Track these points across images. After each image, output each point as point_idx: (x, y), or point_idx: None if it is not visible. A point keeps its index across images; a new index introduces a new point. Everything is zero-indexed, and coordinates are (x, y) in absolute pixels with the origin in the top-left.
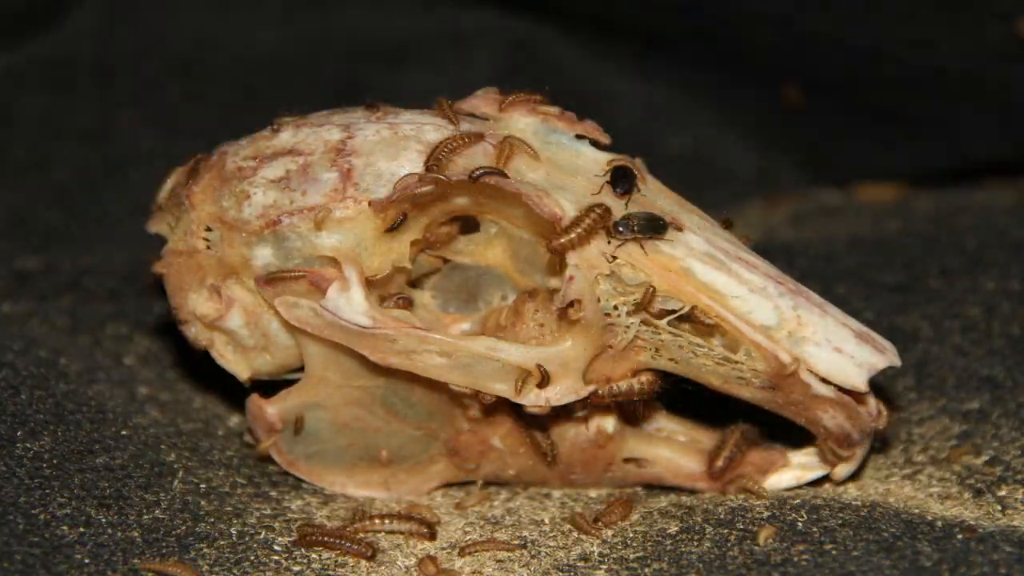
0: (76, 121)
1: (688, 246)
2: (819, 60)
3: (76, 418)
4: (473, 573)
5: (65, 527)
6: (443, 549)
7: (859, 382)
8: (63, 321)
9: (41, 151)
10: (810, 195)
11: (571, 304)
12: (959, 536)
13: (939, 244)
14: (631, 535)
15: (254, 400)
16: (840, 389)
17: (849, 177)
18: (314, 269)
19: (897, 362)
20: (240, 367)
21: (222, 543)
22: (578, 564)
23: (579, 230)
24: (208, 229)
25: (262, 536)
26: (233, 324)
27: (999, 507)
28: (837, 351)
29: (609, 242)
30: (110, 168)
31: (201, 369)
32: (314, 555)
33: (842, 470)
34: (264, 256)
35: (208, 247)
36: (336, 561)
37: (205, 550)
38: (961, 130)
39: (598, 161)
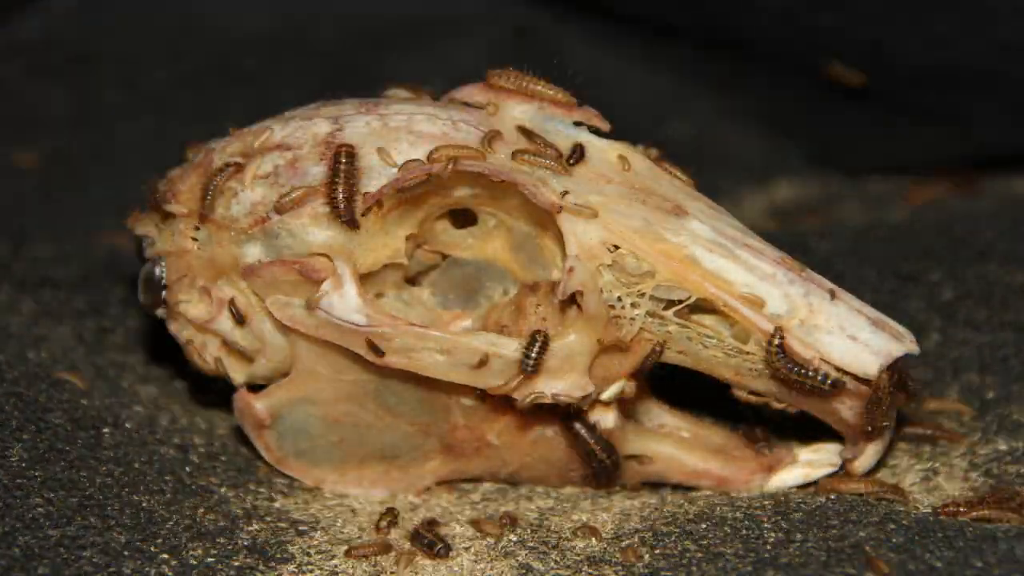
0: (58, 105)
1: (693, 233)
2: (825, 52)
3: (57, 415)
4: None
5: (46, 530)
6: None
7: (876, 371)
8: (42, 313)
9: (21, 136)
10: (814, 183)
11: (573, 296)
12: (970, 534)
13: (949, 233)
14: (633, 533)
15: (242, 395)
16: (857, 378)
17: (854, 166)
18: (304, 259)
19: (915, 349)
20: (234, 371)
21: (213, 543)
22: (577, 563)
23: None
24: (196, 228)
25: (254, 535)
26: (225, 326)
27: (1012, 502)
28: (852, 339)
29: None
30: (92, 154)
31: (187, 363)
32: (302, 550)
33: (861, 463)
34: (254, 254)
35: (197, 247)
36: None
37: (195, 550)
38: (971, 121)
39: (598, 148)
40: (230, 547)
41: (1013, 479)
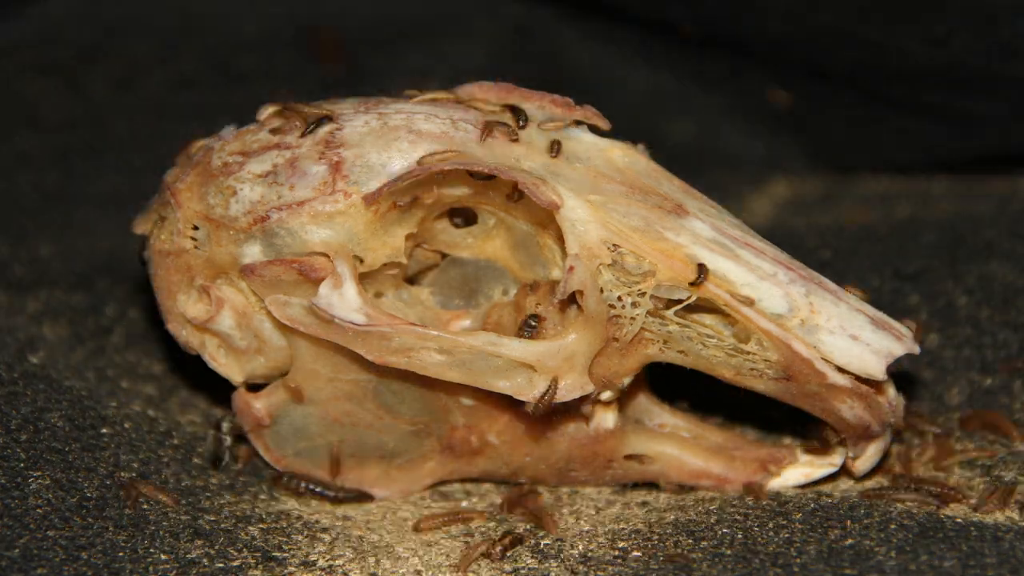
0: (57, 105)
1: (694, 233)
2: (826, 50)
3: (56, 416)
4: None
5: (45, 530)
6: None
7: (877, 370)
8: (40, 312)
9: (19, 135)
10: (814, 183)
11: (573, 296)
12: (972, 534)
13: (950, 233)
14: (632, 533)
15: (241, 395)
16: (858, 378)
17: (855, 164)
18: (303, 258)
19: (916, 349)
20: (233, 370)
21: (212, 543)
22: (578, 565)
23: None
24: (195, 228)
25: (254, 536)
26: (224, 326)
27: (1014, 503)
28: (853, 339)
29: None
30: (91, 153)
31: (186, 361)
32: (302, 550)
33: (862, 463)
34: (253, 254)
35: (196, 246)
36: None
37: (195, 551)
38: (971, 121)
39: (598, 147)
40: (230, 547)
41: (1014, 479)
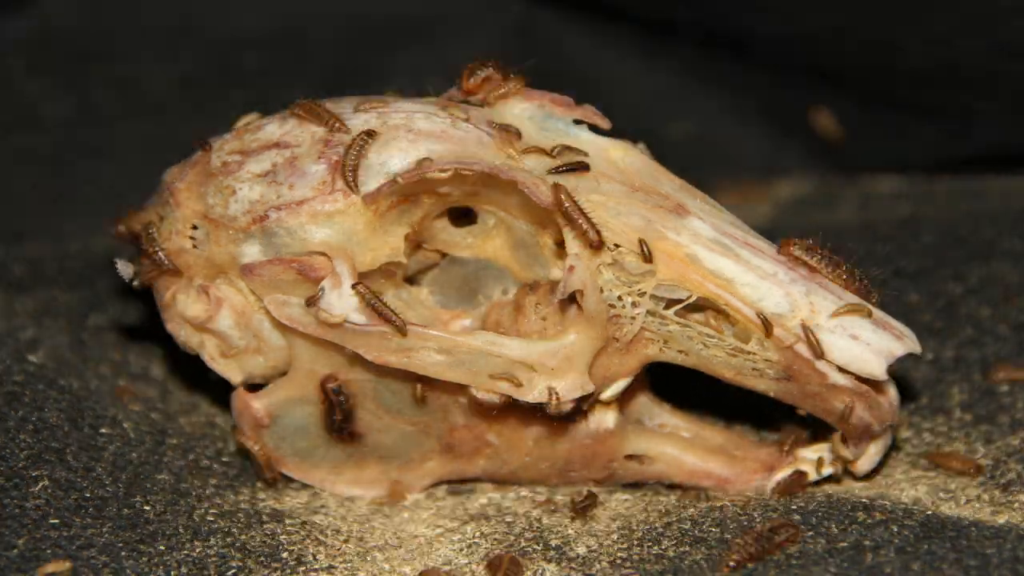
0: (57, 105)
1: (694, 232)
2: (827, 50)
3: (54, 415)
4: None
5: (44, 530)
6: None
7: (877, 370)
8: (39, 312)
9: (17, 135)
10: (814, 182)
11: (573, 295)
12: (974, 534)
13: (951, 232)
14: (632, 534)
15: (240, 395)
16: (858, 378)
17: (856, 163)
18: (302, 258)
19: (917, 349)
20: (232, 370)
21: (210, 543)
22: (575, 563)
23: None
24: (194, 227)
25: (252, 536)
26: (223, 325)
27: (1015, 503)
28: (853, 338)
29: None
30: (91, 153)
31: (185, 361)
32: (302, 550)
33: (864, 463)
34: (252, 253)
35: (195, 246)
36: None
37: (195, 551)
38: (972, 121)
39: (598, 146)
40: (228, 548)
41: (1016, 478)
